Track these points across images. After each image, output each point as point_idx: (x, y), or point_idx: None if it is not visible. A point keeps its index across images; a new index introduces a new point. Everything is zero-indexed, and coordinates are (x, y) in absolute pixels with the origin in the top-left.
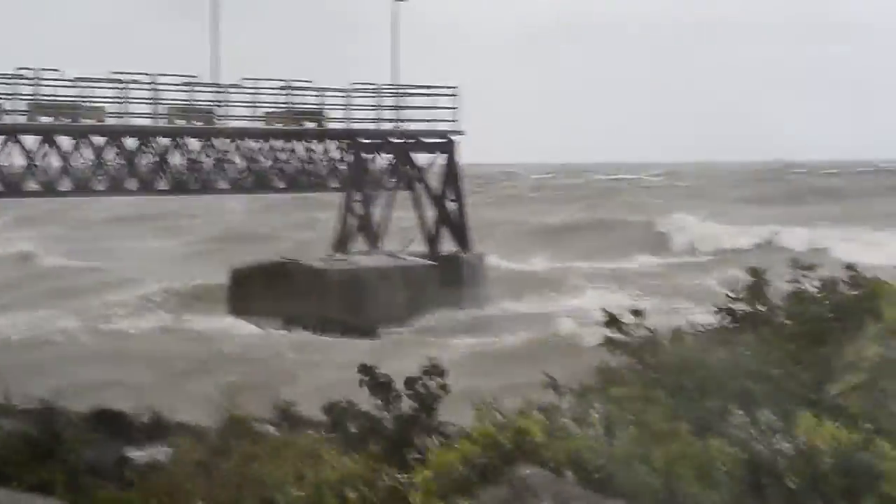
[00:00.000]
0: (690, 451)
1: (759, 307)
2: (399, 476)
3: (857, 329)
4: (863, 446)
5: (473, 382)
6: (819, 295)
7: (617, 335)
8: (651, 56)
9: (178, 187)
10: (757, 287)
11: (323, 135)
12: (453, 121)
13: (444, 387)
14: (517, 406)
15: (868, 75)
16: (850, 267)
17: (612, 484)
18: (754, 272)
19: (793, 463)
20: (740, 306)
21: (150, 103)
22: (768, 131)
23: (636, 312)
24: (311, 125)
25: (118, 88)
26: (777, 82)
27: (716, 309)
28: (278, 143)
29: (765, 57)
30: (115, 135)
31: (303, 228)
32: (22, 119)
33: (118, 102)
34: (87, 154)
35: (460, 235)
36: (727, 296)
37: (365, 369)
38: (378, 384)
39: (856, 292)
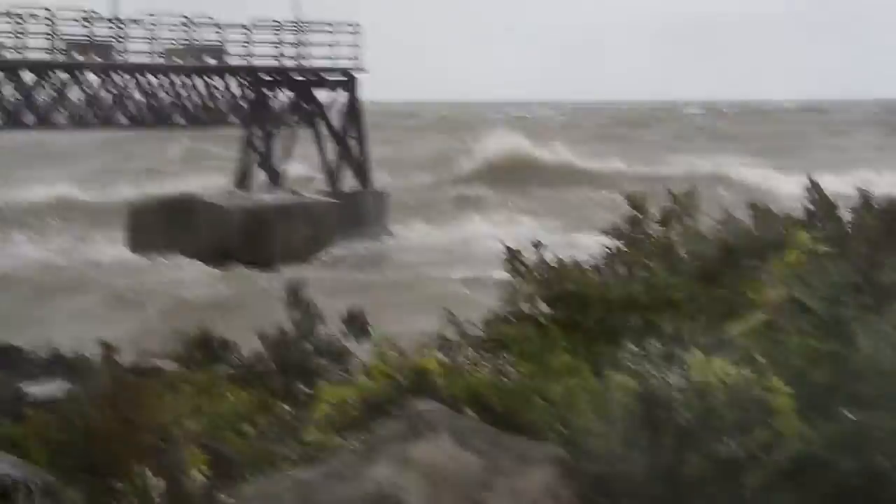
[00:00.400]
0: (587, 385)
1: (652, 241)
2: (295, 411)
3: (759, 269)
4: (756, 382)
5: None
6: (717, 232)
7: (517, 266)
8: None
9: (77, 122)
10: (637, 219)
11: (224, 70)
12: (355, 58)
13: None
14: (417, 342)
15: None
16: (754, 205)
17: (510, 419)
18: (634, 200)
19: (685, 397)
20: (633, 237)
21: (48, 37)
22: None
23: (537, 245)
24: (211, 61)
25: (15, 22)
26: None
27: (612, 240)
28: (179, 79)
29: None
30: (11, 69)
31: (201, 163)
32: None
33: (15, 36)
34: None
35: (362, 172)
36: (616, 226)
37: (292, 291)
38: (302, 308)
39: (759, 232)
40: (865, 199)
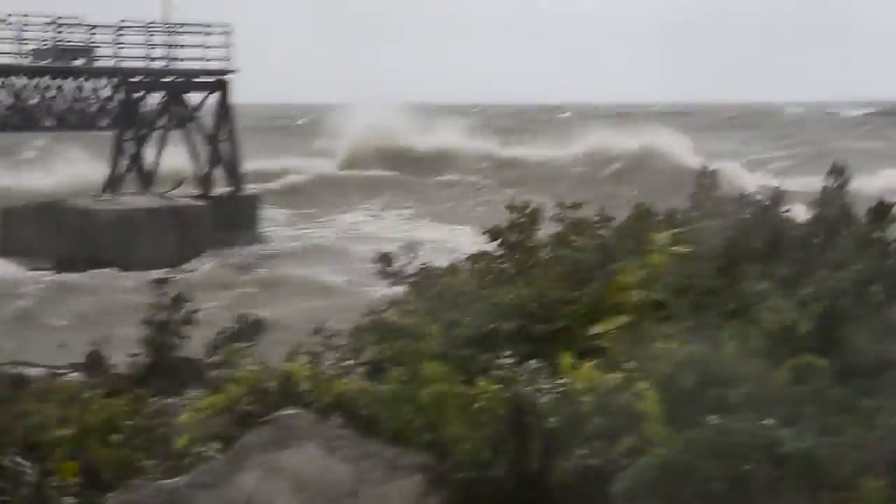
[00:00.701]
0: (455, 392)
1: (528, 245)
2: (164, 419)
3: (622, 271)
4: (623, 387)
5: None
6: (583, 235)
7: (389, 271)
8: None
9: None
10: (522, 224)
11: (93, 72)
12: (227, 59)
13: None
14: (288, 350)
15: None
16: (639, 205)
17: (377, 425)
18: (521, 208)
19: (554, 403)
20: (510, 240)
21: None
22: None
23: (410, 247)
24: (79, 62)
25: None
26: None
27: (490, 241)
28: (47, 81)
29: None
30: None
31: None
32: None
33: None
34: None
35: (234, 175)
36: (495, 230)
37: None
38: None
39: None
40: (740, 200)
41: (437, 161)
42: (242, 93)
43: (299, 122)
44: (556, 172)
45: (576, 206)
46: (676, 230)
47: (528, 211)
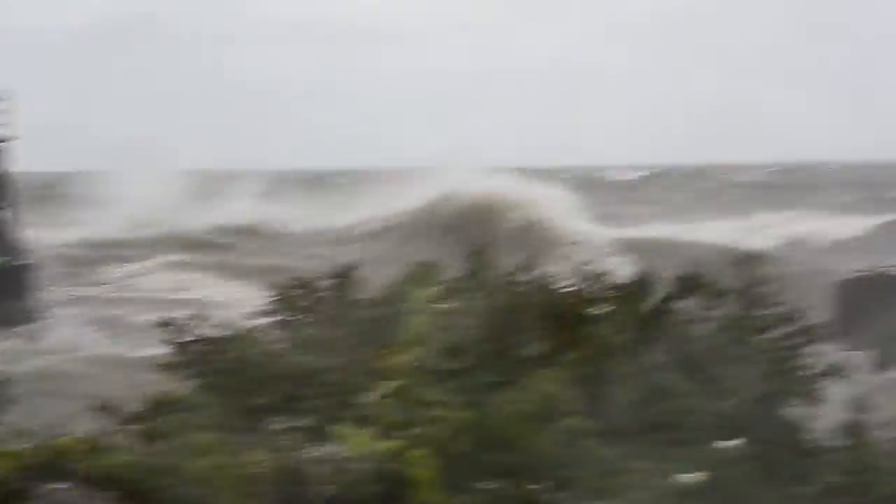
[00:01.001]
0: (229, 462)
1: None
2: None
3: (393, 335)
4: (396, 454)
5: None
6: (357, 300)
7: (172, 338)
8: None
9: None
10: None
11: None
12: (3, 125)
13: None
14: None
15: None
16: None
17: (150, 498)
18: (301, 281)
19: (329, 470)
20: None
21: None
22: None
23: (193, 312)
24: None
25: None
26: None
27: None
28: None
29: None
30: None
31: None
32: None
33: None
34: None
35: (12, 245)
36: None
37: None
38: None
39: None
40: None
41: (217, 225)
42: (23, 160)
43: (69, 192)
44: (341, 235)
45: (342, 273)
46: (442, 286)
47: (310, 279)
